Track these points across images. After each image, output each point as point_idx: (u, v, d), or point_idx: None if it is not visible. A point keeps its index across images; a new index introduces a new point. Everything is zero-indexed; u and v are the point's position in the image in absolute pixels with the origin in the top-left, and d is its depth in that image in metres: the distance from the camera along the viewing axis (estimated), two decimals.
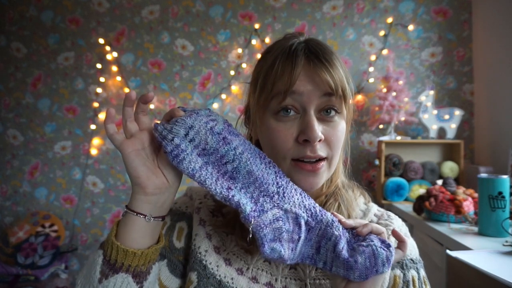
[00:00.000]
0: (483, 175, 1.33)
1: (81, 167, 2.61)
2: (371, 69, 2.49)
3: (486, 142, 2.32)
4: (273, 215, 0.53)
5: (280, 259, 0.52)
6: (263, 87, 0.60)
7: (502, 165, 2.07)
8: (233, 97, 2.59)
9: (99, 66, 2.59)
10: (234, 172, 0.53)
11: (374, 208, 0.71)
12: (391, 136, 2.32)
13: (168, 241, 0.68)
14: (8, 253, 2.24)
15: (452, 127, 2.27)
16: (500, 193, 1.26)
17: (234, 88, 2.57)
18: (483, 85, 2.37)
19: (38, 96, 2.62)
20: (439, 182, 2.06)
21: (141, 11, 2.61)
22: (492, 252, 1.09)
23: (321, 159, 0.58)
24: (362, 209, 0.70)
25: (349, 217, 0.65)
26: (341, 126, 0.60)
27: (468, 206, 1.52)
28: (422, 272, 0.65)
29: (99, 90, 2.59)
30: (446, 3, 2.49)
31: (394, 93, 2.28)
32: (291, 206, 0.54)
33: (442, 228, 1.46)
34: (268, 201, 0.54)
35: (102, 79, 2.59)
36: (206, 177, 0.52)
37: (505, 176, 1.28)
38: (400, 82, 2.31)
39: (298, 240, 0.53)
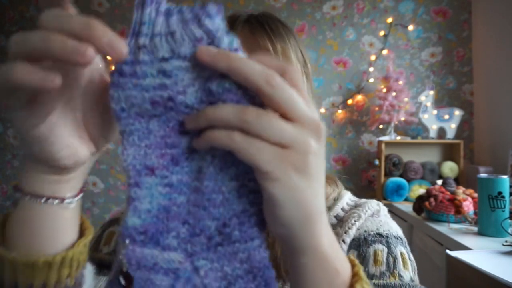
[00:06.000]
0: (483, 175, 1.33)
1: None
2: (371, 69, 2.49)
3: (486, 142, 2.32)
4: (168, 262, 0.30)
5: None
6: None
7: (502, 165, 2.07)
8: None
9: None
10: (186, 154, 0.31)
11: (346, 197, 0.67)
12: (391, 136, 2.32)
13: None
14: None
15: (452, 127, 2.28)
16: (500, 193, 1.27)
17: None
18: (482, 85, 2.37)
19: None
20: (439, 182, 2.06)
21: None
22: (492, 252, 1.10)
23: None
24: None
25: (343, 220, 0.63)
26: None
27: (468, 206, 1.52)
28: (409, 250, 0.61)
29: None
30: (446, 3, 2.49)
31: (394, 93, 2.28)
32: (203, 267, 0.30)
33: (442, 228, 1.46)
34: (183, 235, 0.30)
35: None
36: (139, 132, 0.30)
37: (504, 176, 1.28)
38: (400, 82, 2.31)
39: None
